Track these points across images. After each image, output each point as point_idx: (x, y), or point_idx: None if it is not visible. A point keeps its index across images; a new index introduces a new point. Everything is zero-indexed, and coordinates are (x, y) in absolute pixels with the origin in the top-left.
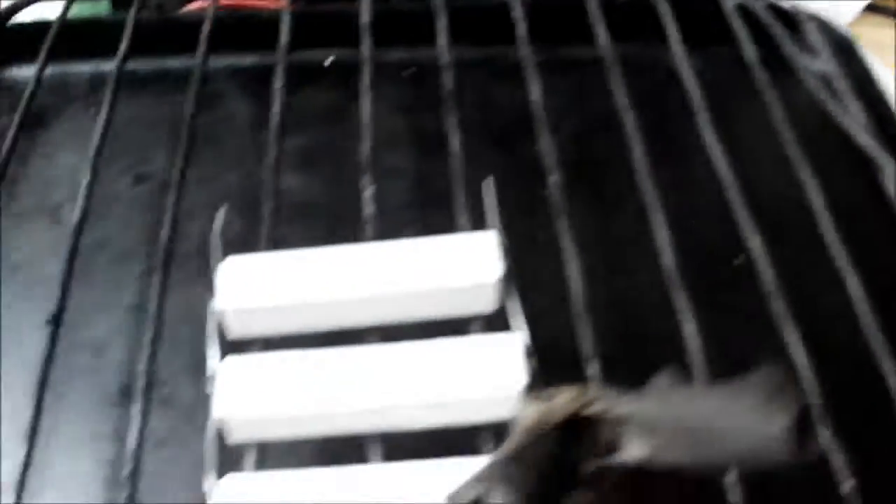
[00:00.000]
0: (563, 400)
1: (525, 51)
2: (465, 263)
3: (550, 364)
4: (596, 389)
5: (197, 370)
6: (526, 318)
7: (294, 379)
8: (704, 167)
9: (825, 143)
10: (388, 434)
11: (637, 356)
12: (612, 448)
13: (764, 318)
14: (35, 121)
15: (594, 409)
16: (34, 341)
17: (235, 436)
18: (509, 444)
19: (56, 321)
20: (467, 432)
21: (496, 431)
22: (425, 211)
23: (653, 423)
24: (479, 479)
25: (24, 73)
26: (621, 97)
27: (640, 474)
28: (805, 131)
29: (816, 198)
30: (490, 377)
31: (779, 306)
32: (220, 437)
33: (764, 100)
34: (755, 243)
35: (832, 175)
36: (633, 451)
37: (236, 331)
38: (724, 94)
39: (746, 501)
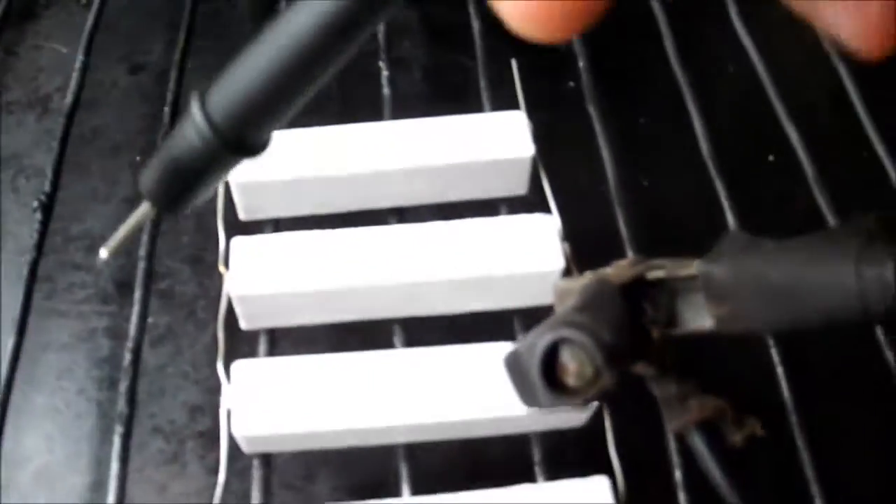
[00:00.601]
0: (627, 263)
1: None
2: (493, 141)
3: (584, 249)
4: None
5: (196, 263)
6: (557, 202)
7: (310, 258)
8: (735, 62)
9: None
10: (411, 320)
11: (671, 246)
12: (678, 316)
13: (801, 212)
14: (23, 12)
15: (658, 273)
16: (24, 234)
17: (248, 319)
18: (576, 299)
19: (46, 207)
20: (496, 318)
21: (528, 317)
22: (440, 100)
23: (725, 287)
24: (549, 326)
25: None
26: None
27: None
28: None
29: (853, 91)
30: (523, 258)
31: (822, 199)
32: (231, 323)
33: None
34: (792, 136)
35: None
36: (700, 320)
37: (246, 209)
38: None
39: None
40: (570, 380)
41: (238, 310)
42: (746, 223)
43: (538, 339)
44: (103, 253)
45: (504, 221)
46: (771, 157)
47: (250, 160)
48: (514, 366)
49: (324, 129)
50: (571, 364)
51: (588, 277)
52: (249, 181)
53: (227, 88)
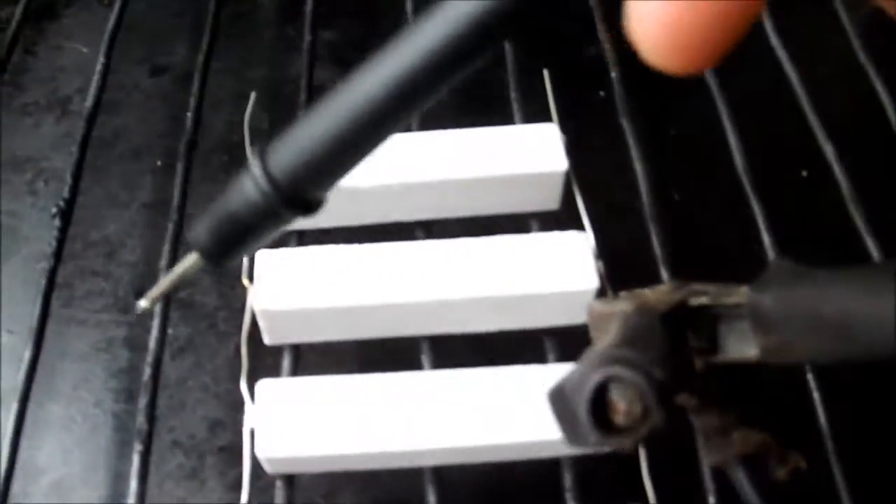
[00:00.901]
0: (667, 289)
1: None
2: (525, 154)
3: (616, 265)
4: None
5: (217, 273)
6: (590, 218)
7: (336, 273)
8: (769, 75)
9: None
10: (439, 337)
11: (705, 262)
12: (720, 344)
13: (836, 228)
14: (43, 11)
15: (702, 300)
16: (41, 238)
17: (272, 334)
18: (619, 330)
19: (65, 213)
20: (527, 337)
21: (560, 337)
22: (470, 111)
23: (774, 318)
24: (595, 363)
25: None
26: None
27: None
28: (876, 38)
29: (889, 105)
30: (557, 277)
31: (857, 215)
32: (255, 337)
33: (832, 6)
34: (827, 151)
35: None
36: (745, 349)
37: None
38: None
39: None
40: (620, 419)
41: (262, 325)
42: (780, 238)
43: (586, 377)
44: (143, 303)
45: (537, 238)
46: (805, 173)
47: (307, 217)
48: (559, 402)
49: None
50: (621, 403)
51: (625, 301)
52: None
53: (289, 146)
